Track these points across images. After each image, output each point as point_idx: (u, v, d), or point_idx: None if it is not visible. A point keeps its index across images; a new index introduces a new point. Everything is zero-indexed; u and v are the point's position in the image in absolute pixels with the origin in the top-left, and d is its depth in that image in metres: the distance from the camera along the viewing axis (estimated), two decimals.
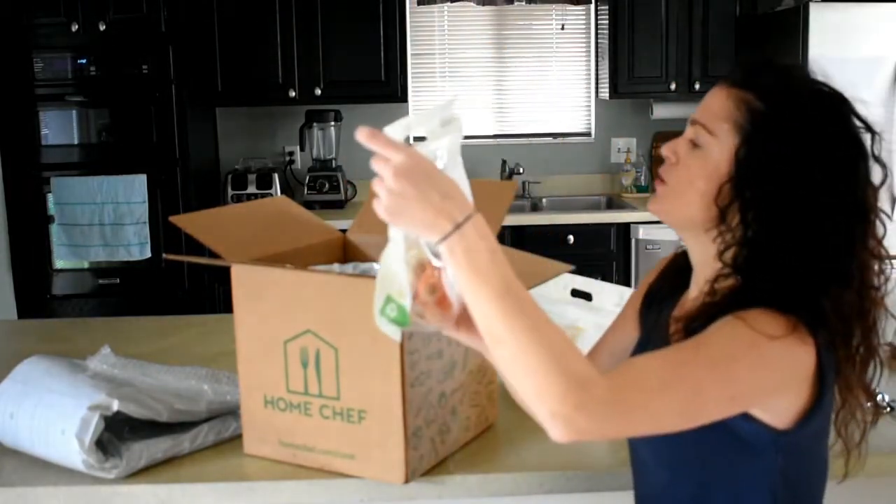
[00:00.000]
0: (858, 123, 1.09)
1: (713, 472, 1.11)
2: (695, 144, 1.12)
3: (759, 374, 1.01)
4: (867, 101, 1.11)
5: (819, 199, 1.04)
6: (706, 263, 1.13)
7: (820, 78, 1.11)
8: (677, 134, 1.16)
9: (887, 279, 1.10)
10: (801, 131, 1.05)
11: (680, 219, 1.14)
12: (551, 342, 0.92)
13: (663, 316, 1.23)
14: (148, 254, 3.95)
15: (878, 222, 1.08)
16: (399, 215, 0.91)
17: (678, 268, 1.26)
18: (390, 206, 0.91)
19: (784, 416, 1.06)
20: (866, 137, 1.09)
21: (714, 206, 1.08)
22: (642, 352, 1.24)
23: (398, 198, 0.90)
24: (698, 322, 1.07)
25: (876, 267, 1.08)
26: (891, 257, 1.10)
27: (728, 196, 1.07)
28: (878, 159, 1.09)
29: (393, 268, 0.97)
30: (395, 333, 1.01)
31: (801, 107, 1.07)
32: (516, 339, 0.92)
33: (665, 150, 1.15)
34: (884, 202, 1.09)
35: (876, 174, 1.09)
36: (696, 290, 1.17)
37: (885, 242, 1.09)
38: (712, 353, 1.00)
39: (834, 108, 1.09)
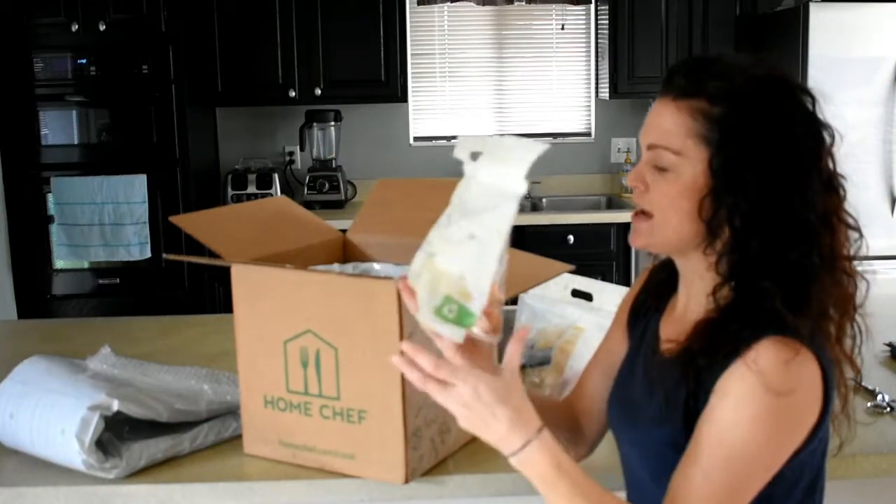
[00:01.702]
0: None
1: None
2: (660, 168, 1.09)
3: (785, 438, 1.03)
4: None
5: (797, 183, 1.04)
6: (699, 277, 1.13)
7: (748, 57, 1.10)
8: None
9: (858, 247, 1.10)
10: (765, 123, 1.05)
11: (671, 244, 1.13)
12: None
13: (651, 328, 1.23)
14: (148, 254, 3.95)
15: (841, 189, 1.09)
16: (475, 430, 1.03)
17: (660, 278, 1.26)
18: (469, 422, 1.02)
19: (804, 435, 1.06)
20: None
21: (700, 222, 1.07)
22: (631, 365, 1.25)
23: (472, 418, 1.02)
24: (699, 344, 1.07)
25: (846, 234, 1.09)
26: (860, 230, 1.10)
27: (711, 208, 1.06)
28: (824, 124, 1.08)
29: (457, 270, 0.99)
30: (454, 334, 1.00)
31: (756, 98, 1.06)
32: None
33: (630, 180, 1.13)
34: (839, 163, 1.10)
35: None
36: (685, 300, 1.18)
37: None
38: (745, 444, 1.01)
39: (781, 87, 1.08)
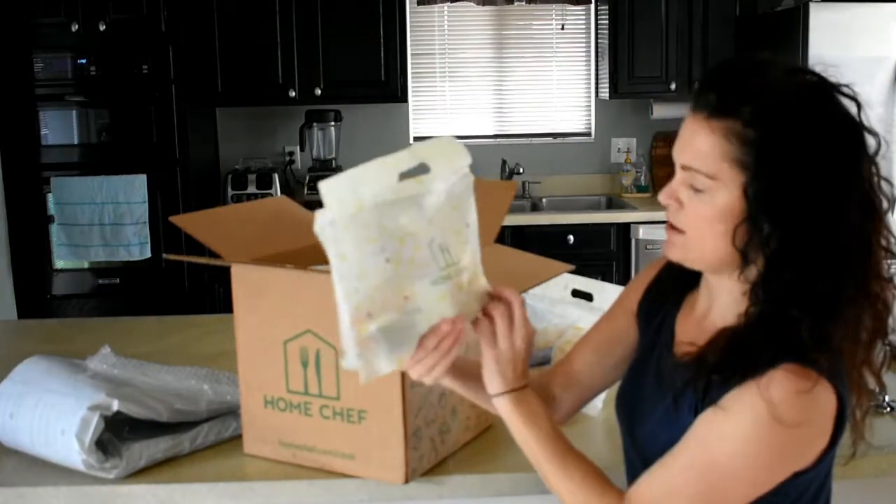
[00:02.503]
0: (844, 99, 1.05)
1: None
2: (695, 189, 1.06)
3: (783, 462, 1.03)
4: (867, 101, 1.08)
5: (836, 209, 1.01)
6: (728, 292, 1.10)
7: (782, 64, 1.06)
8: (676, 134, 1.11)
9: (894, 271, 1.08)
10: (802, 146, 1.00)
11: (707, 262, 1.10)
12: (573, 491, 1.11)
13: (666, 325, 1.21)
14: (148, 254, 3.95)
15: (882, 202, 1.04)
16: (496, 367, 1.13)
17: (676, 272, 1.22)
18: (504, 357, 1.11)
19: (811, 460, 1.05)
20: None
21: (734, 247, 1.04)
22: (643, 362, 1.23)
23: (510, 359, 1.12)
24: (716, 357, 1.06)
25: (883, 255, 1.05)
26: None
27: (745, 235, 1.03)
28: (870, 131, 1.04)
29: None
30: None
31: (792, 118, 1.01)
32: (550, 484, 1.14)
33: (664, 198, 1.09)
34: (889, 173, 1.05)
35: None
36: (707, 304, 1.16)
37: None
38: (732, 457, 1.02)
39: (819, 100, 1.03)
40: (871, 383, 1.10)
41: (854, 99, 1.04)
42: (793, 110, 1.01)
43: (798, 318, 1.01)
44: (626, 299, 1.31)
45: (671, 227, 1.11)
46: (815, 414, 1.01)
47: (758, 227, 1.02)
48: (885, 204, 1.05)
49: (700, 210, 1.06)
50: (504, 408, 1.14)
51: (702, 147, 1.04)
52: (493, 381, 1.13)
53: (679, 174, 1.08)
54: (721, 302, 1.13)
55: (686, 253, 1.10)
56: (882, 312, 1.06)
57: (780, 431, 0.99)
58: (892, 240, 1.06)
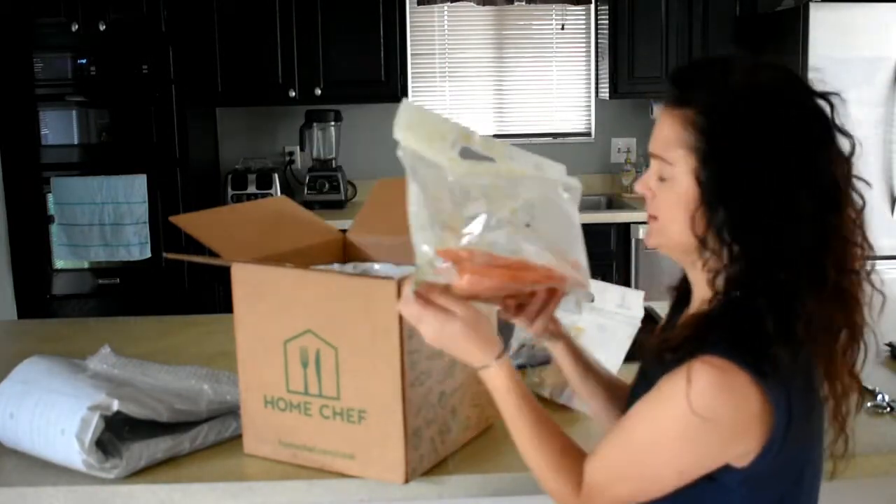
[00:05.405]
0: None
1: None
2: (661, 178, 1.12)
3: (704, 455, 1.05)
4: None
5: (785, 200, 1.02)
6: (701, 284, 1.14)
7: (749, 61, 1.09)
8: None
9: (867, 259, 1.09)
10: (752, 133, 1.03)
11: (675, 247, 1.14)
12: (548, 455, 1.15)
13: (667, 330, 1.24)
14: (148, 254, 3.95)
15: (853, 200, 1.07)
16: (454, 349, 1.18)
17: (681, 292, 1.25)
18: (451, 341, 1.16)
19: (745, 458, 1.05)
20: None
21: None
22: (642, 367, 1.25)
23: (457, 338, 1.16)
24: (675, 339, 1.09)
25: (856, 251, 1.07)
26: (870, 244, 1.09)
27: (701, 221, 1.06)
28: (841, 130, 1.06)
29: None
30: None
31: (743, 107, 1.04)
32: (525, 450, 1.17)
33: (638, 187, 1.16)
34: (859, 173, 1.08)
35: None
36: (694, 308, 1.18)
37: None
38: (656, 443, 1.06)
39: (778, 90, 1.06)
40: (849, 382, 1.11)
41: (828, 101, 1.06)
42: (743, 102, 1.05)
43: (764, 308, 1.02)
44: None
45: (649, 215, 1.16)
46: (729, 409, 1.02)
47: (713, 212, 1.05)
48: (858, 201, 1.08)
49: (667, 196, 1.11)
50: (501, 374, 1.16)
51: (662, 135, 1.10)
52: (491, 343, 1.17)
53: (651, 164, 1.15)
54: (697, 293, 1.16)
55: (659, 238, 1.15)
56: (851, 307, 1.07)
57: (695, 421, 1.01)
58: (864, 236, 1.08)
